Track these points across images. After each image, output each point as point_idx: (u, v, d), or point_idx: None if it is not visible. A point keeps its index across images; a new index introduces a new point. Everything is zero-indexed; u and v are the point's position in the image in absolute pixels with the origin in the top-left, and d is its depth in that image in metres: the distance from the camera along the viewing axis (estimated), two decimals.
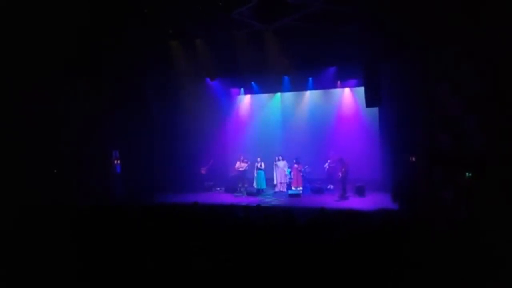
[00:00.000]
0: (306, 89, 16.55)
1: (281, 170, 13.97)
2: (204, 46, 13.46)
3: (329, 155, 14.80)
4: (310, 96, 17.00)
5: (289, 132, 16.82)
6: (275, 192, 13.78)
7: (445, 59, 6.75)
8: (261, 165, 14.06)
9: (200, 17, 11.29)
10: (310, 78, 15.72)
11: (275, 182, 14.10)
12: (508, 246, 4.02)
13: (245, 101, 18.10)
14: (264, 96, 17.68)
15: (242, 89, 17.71)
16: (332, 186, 14.15)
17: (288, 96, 17.28)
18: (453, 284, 3.68)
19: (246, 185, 14.56)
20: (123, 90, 12.33)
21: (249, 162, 14.68)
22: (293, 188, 13.71)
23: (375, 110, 13.96)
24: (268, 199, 12.69)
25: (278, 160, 14.03)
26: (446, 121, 6.94)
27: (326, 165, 14.63)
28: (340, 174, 13.11)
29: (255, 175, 14.09)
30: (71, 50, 10.08)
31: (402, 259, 4.05)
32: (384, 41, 10.47)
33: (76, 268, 4.17)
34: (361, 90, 13.39)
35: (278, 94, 17.24)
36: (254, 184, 14.11)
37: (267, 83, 16.15)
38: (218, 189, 14.83)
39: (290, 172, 14.28)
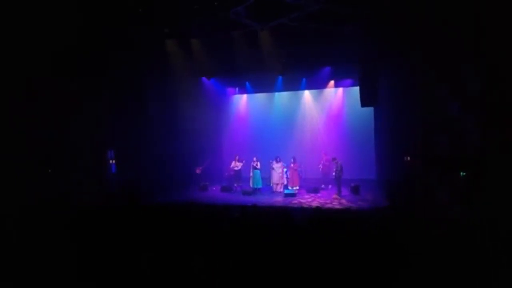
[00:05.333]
0: (301, 89, 16.63)
1: (277, 172, 13.96)
2: (200, 46, 13.44)
3: (322, 155, 14.87)
4: (305, 96, 17.07)
5: (284, 132, 16.86)
6: (272, 192, 13.77)
7: (443, 59, 6.78)
8: (257, 165, 14.06)
9: (196, 16, 11.26)
10: (304, 79, 15.79)
11: (271, 184, 14.11)
12: (503, 246, 4.05)
13: (241, 100, 18.12)
14: (260, 96, 17.72)
15: (237, 89, 17.73)
16: (330, 186, 14.19)
17: (284, 96, 17.33)
18: (448, 284, 3.69)
19: (241, 184, 14.55)
20: (119, 90, 12.26)
21: (244, 161, 14.70)
22: (289, 187, 13.70)
23: (370, 110, 14.03)
24: (264, 199, 12.66)
25: (276, 162, 14.00)
26: (442, 122, 6.98)
27: (321, 165, 14.67)
28: (334, 173, 13.17)
29: (251, 174, 14.08)
30: (68, 50, 10.06)
31: (397, 258, 4.07)
32: (381, 41, 10.50)
33: (73, 268, 4.14)
34: (356, 90, 13.45)
35: (276, 94, 17.27)
36: (250, 183, 14.10)
37: (262, 82, 16.21)
38: (214, 188, 14.81)
39: (286, 172, 14.26)
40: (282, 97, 17.40)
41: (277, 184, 13.94)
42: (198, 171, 15.21)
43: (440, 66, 6.89)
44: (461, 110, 6.23)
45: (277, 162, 13.96)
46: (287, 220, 6.21)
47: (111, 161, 12.60)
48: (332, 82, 15.85)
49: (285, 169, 14.22)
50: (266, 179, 14.38)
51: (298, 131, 16.83)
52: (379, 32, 10.27)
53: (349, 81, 15.45)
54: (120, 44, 11.45)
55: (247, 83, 16.71)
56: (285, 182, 13.96)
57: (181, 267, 4.17)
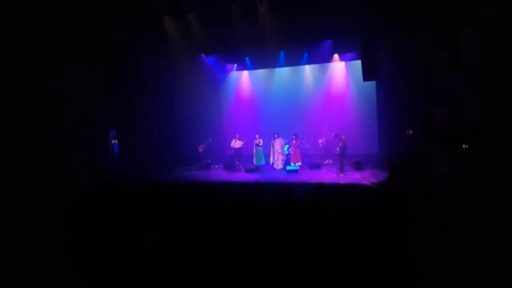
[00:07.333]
0: (301, 63, 16.38)
1: (277, 148, 13.99)
2: (197, 21, 13.19)
3: (322, 130, 14.85)
4: (306, 71, 16.86)
5: (286, 108, 16.76)
6: (274, 169, 13.85)
7: (444, 29, 6.63)
8: (259, 142, 14.07)
9: None
10: (306, 53, 15.53)
11: (271, 162, 14.15)
12: (504, 217, 4.08)
13: (241, 77, 17.94)
14: (261, 72, 17.51)
15: (235, 65, 17.48)
16: (330, 161, 14.25)
17: (285, 71, 17.11)
18: (450, 255, 3.74)
19: (243, 162, 14.59)
20: (119, 70, 12.17)
21: (245, 140, 14.66)
22: (292, 164, 13.76)
23: (372, 84, 13.87)
24: (267, 175, 12.74)
25: (274, 138, 14.01)
26: (443, 94, 6.91)
27: (321, 140, 14.67)
28: (338, 149, 13.17)
29: (254, 151, 14.12)
30: (68, 32, 9.96)
31: (400, 231, 4.11)
32: (382, 12, 10.26)
33: (75, 248, 4.22)
34: (358, 63, 13.25)
35: (277, 69, 17.05)
36: (254, 160, 14.15)
37: (262, 58, 15.95)
38: (216, 166, 14.88)
39: (288, 148, 14.29)
40: (283, 73, 17.19)
41: (278, 160, 14.00)
42: (200, 149, 15.25)
43: (439, 36, 6.75)
44: (461, 81, 6.14)
45: (275, 138, 13.98)
46: (289, 197, 6.25)
47: (113, 141, 12.65)
48: (336, 56, 15.59)
49: (286, 146, 14.26)
50: (268, 156, 14.42)
51: (300, 107, 16.71)
52: (379, 4, 10.01)
53: (352, 54, 15.18)
54: (118, 24, 11.30)
55: (246, 59, 16.47)
56: (284, 158, 13.99)
57: (183, 245, 4.23)
